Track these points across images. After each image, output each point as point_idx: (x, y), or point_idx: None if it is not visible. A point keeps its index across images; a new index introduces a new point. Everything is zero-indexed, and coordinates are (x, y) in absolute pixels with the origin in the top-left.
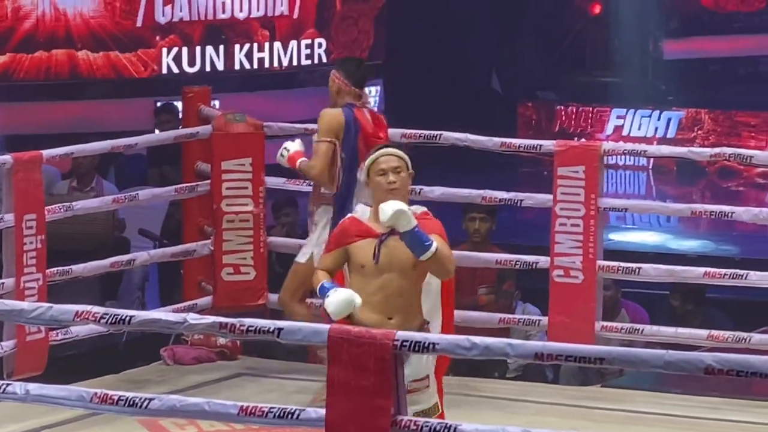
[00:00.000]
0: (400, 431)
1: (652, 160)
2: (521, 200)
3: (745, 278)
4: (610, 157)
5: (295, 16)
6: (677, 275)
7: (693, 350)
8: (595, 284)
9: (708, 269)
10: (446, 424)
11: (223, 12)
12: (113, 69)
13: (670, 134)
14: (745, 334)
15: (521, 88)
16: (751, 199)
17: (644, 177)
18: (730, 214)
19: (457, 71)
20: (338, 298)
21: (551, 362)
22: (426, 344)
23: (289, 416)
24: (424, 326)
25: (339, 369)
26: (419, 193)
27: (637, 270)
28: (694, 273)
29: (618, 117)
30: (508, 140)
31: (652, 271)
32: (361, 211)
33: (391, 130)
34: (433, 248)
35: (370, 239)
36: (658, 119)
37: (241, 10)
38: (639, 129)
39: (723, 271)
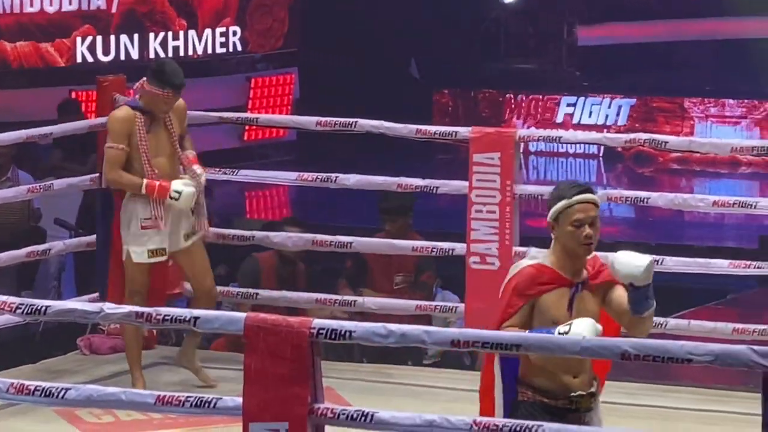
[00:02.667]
0: (317, 419)
1: (602, 147)
2: (437, 187)
3: (661, 264)
4: (560, 146)
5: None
6: None
7: None
8: None
9: None
10: (363, 411)
11: (32, 6)
12: (31, 58)
13: (621, 121)
14: (661, 319)
15: (438, 76)
16: (666, 184)
17: (595, 165)
18: (645, 200)
19: (373, 58)
20: (587, 323)
21: (468, 349)
22: (342, 332)
23: (206, 405)
24: (597, 381)
25: (255, 357)
26: (335, 180)
27: None
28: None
29: (568, 105)
30: (423, 127)
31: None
32: (534, 255)
33: (306, 118)
34: (653, 305)
35: (562, 289)
36: (609, 107)
37: (51, 4)
38: (590, 116)
39: None
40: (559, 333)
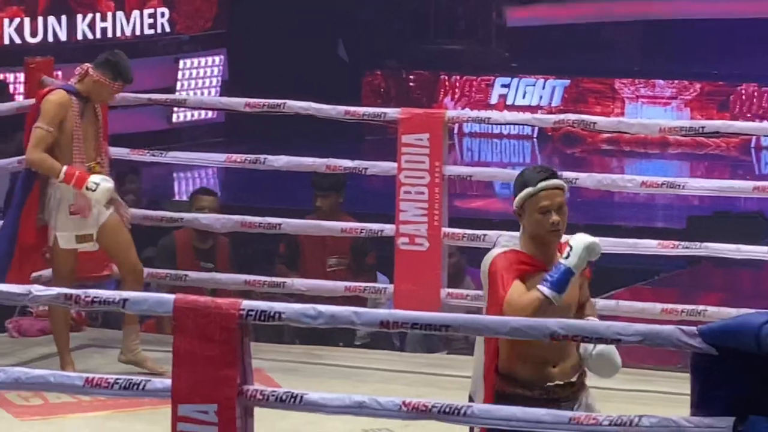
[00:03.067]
0: (246, 401)
1: (537, 129)
2: (366, 168)
3: None
4: (495, 127)
5: None
6: None
7: None
8: (440, 251)
9: None
10: (292, 393)
11: None
12: None
13: (555, 102)
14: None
15: (367, 57)
16: (597, 165)
17: (529, 146)
18: (574, 181)
19: (302, 40)
20: (583, 237)
21: (397, 330)
22: (272, 314)
23: (135, 387)
24: (582, 371)
25: (185, 339)
26: (263, 162)
27: (482, 237)
28: None
29: (502, 86)
30: (352, 108)
31: (496, 237)
32: (505, 243)
33: (235, 99)
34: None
35: (540, 273)
36: (543, 88)
37: None
38: (524, 98)
39: (565, 237)
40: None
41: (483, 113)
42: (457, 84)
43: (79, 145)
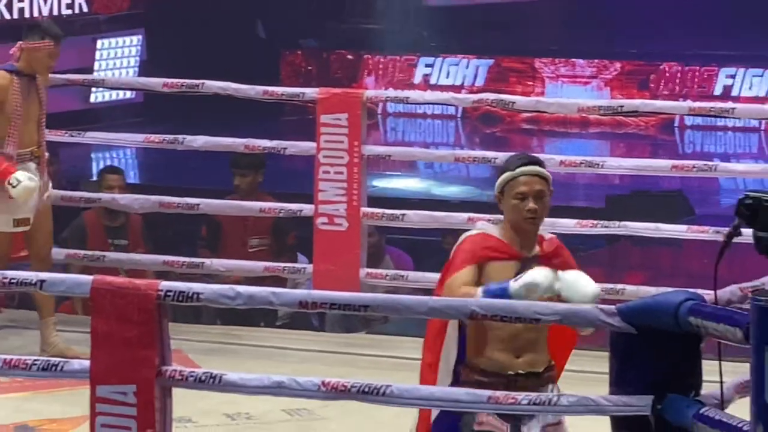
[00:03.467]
0: (165, 381)
1: (460, 109)
2: (285, 148)
3: None
4: (419, 107)
5: None
6: (441, 221)
7: None
8: (359, 231)
9: (472, 215)
10: (211, 374)
11: None
12: None
13: (479, 82)
14: None
15: (286, 37)
16: (518, 144)
17: (453, 126)
18: (493, 160)
19: (220, 20)
20: (543, 271)
21: (316, 310)
22: (190, 294)
23: (54, 368)
24: (551, 365)
25: (103, 320)
26: (182, 142)
27: (401, 216)
28: (457, 219)
29: (426, 66)
30: (270, 88)
31: (415, 217)
32: (482, 226)
33: (153, 79)
34: None
35: (512, 262)
36: (467, 67)
37: None
38: (447, 77)
39: (487, 216)
40: (513, 281)
41: (402, 93)
42: (381, 64)
43: (17, 129)
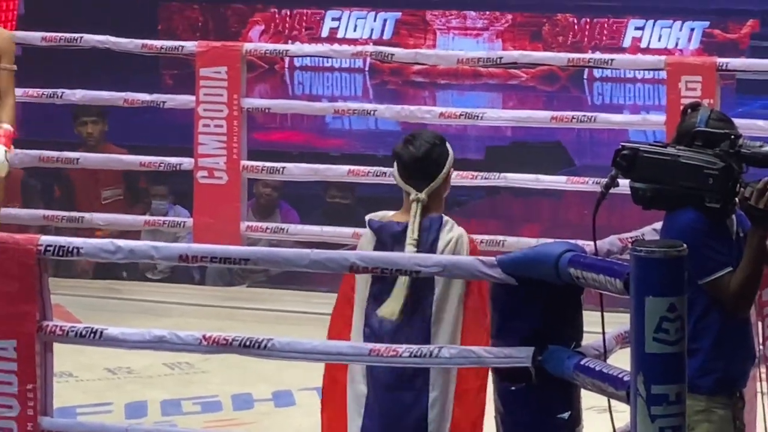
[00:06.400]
0: (45, 336)
1: (368, 62)
2: (164, 102)
3: (389, 175)
4: (326, 60)
5: None
6: (321, 174)
7: (340, 249)
8: (240, 185)
9: (351, 167)
10: (92, 329)
11: None
12: None
13: (387, 35)
14: None
15: None
16: (411, 97)
17: (361, 79)
18: (372, 112)
19: None
20: None
21: (196, 264)
22: (70, 249)
23: None
24: None
25: None
26: (61, 96)
27: (281, 170)
28: (338, 171)
29: (333, 19)
30: (149, 42)
31: (295, 170)
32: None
33: (31, 34)
34: None
35: None
36: (374, 20)
37: None
38: (355, 30)
39: (367, 168)
40: None
41: (281, 46)
42: (288, 18)
43: None
